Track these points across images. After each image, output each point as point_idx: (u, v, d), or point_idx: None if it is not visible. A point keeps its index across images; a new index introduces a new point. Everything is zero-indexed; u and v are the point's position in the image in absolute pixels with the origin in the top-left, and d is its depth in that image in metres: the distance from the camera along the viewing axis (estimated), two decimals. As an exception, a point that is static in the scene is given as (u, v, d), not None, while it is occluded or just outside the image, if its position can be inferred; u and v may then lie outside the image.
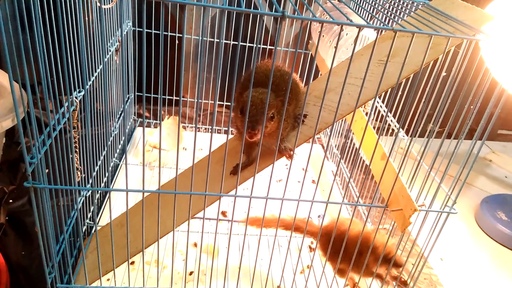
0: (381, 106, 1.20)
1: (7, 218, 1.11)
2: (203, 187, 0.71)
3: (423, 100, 0.75)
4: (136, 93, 1.58)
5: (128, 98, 1.51)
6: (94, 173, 1.07)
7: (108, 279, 0.95)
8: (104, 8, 1.06)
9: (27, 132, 0.61)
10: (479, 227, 1.43)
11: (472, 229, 1.43)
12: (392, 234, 0.89)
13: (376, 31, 0.58)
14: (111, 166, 1.27)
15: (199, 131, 1.68)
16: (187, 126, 1.69)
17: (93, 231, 1.01)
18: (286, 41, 1.64)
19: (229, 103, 1.76)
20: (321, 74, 1.35)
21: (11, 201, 1.16)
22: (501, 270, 1.26)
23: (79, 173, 0.86)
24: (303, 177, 0.72)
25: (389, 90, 0.83)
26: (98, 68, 1.02)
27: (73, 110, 0.80)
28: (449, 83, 0.73)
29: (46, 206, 0.69)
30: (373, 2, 0.86)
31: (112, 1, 1.06)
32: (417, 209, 0.71)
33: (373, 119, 1.19)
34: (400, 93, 1.01)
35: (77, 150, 0.85)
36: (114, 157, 1.32)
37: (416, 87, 0.79)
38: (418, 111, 0.76)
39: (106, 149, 1.17)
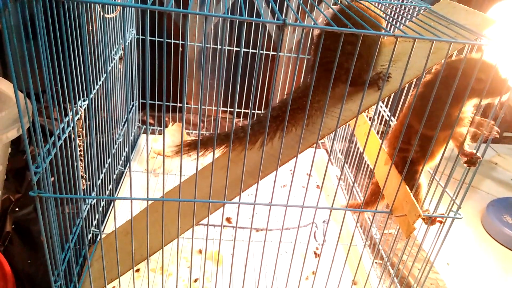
0: (384, 111, 1.20)
1: (13, 226, 1.12)
2: (207, 194, 0.71)
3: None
4: (140, 100, 1.59)
5: (133, 105, 1.52)
6: (99, 181, 1.07)
7: (113, 287, 0.95)
8: (108, 17, 1.07)
9: (32, 141, 0.61)
10: (485, 231, 1.42)
11: (479, 233, 1.41)
12: (398, 239, 0.89)
13: (377, 37, 0.58)
14: (116, 173, 1.28)
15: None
16: (191, 133, 1.70)
17: (98, 239, 1.01)
18: (288, 46, 1.65)
19: (232, 109, 1.76)
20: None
21: (17, 209, 1.17)
22: (509, 274, 1.25)
23: (84, 181, 0.87)
24: (307, 182, 0.72)
25: (392, 94, 0.83)
26: (102, 76, 1.03)
27: (78, 119, 0.81)
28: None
29: (51, 215, 0.69)
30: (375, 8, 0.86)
31: (115, 10, 1.07)
32: (421, 215, 0.71)
33: (376, 123, 1.19)
34: (403, 97, 1.01)
35: (82, 159, 0.86)
36: (119, 164, 1.32)
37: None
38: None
39: (110, 157, 1.18)
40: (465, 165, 0.77)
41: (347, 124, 1.27)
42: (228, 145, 0.76)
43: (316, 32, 0.83)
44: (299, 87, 0.82)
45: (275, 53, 1.62)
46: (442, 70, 0.65)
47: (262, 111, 1.71)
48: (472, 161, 0.77)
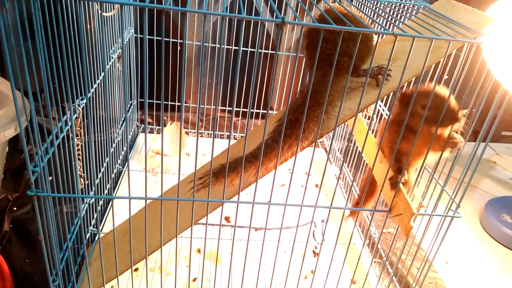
0: (383, 110, 1.20)
1: (11, 225, 1.11)
2: (206, 193, 0.71)
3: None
4: (139, 99, 1.59)
5: (131, 104, 1.52)
6: (97, 180, 1.07)
7: (112, 286, 0.95)
8: (106, 16, 1.07)
9: (30, 140, 0.61)
10: (484, 230, 1.42)
11: (477, 232, 1.42)
12: (397, 238, 0.89)
13: (376, 35, 0.58)
14: (114, 172, 1.28)
15: (201, 136, 1.68)
16: (190, 132, 1.70)
17: (96, 238, 1.01)
18: (287, 45, 1.64)
19: (231, 108, 1.76)
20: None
21: (15, 208, 1.17)
22: (507, 273, 1.25)
23: (82, 180, 0.87)
24: (306, 181, 0.72)
25: (391, 93, 0.83)
26: (100, 75, 1.03)
27: (76, 118, 0.80)
28: (451, 86, 0.73)
29: (49, 214, 0.69)
30: (374, 7, 0.86)
31: (113, 9, 1.07)
32: (415, 213, 0.71)
33: (375, 123, 1.19)
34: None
35: (80, 158, 0.85)
36: (117, 163, 1.32)
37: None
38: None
39: (109, 156, 1.18)
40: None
41: (346, 123, 1.27)
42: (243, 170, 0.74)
43: (305, 29, 0.82)
44: (303, 92, 0.80)
45: (274, 51, 1.62)
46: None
47: (262, 110, 1.70)
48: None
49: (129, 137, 1.50)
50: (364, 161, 1.28)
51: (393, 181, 0.79)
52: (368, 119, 1.06)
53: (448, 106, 0.71)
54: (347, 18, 0.60)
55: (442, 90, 0.76)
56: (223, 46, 1.55)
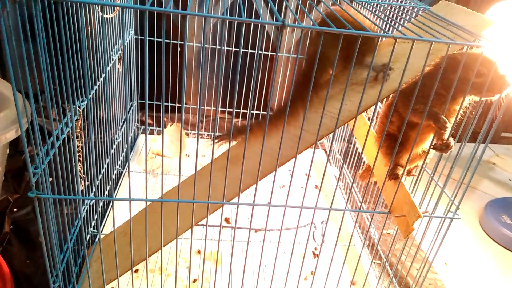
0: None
1: (11, 227, 1.11)
2: (206, 195, 0.71)
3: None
4: (139, 101, 1.59)
5: (131, 105, 1.52)
6: (98, 182, 1.07)
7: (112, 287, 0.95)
8: (106, 17, 1.07)
9: (31, 142, 0.61)
10: (483, 231, 1.42)
11: (477, 233, 1.42)
12: (396, 239, 0.89)
13: (376, 38, 0.58)
14: (114, 173, 1.28)
15: (201, 137, 1.68)
16: (190, 133, 1.70)
17: (97, 239, 1.01)
18: (287, 47, 1.65)
19: (231, 109, 1.76)
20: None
21: (15, 210, 1.17)
22: (507, 275, 1.25)
23: (82, 182, 0.87)
24: (306, 183, 0.72)
25: (391, 95, 0.83)
26: (101, 76, 1.03)
27: (76, 119, 0.81)
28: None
29: (50, 216, 0.69)
30: (374, 9, 0.86)
31: (114, 11, 1.07)
32: (421, 215, 0.71)
33: (375, 124, 1.19)
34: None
35: (81, 159, 0.85)
36: (117, 165, 1.32)
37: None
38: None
39: (109, 157, 1.18)
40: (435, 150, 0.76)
41: (346, 124, 1.27)
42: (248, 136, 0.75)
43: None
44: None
45: (274, 53, 1.62)
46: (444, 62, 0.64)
47: (262, 111, 1.71)
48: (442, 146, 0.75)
49: (130, 138, 1.50)
50: (364, 162, 1.28)
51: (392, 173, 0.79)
52: (368, 120, 1.07)
53: (497, 73, 0.67)
54: (352, 25, 0.60)
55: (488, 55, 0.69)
56: (223, 48, 1.56)
